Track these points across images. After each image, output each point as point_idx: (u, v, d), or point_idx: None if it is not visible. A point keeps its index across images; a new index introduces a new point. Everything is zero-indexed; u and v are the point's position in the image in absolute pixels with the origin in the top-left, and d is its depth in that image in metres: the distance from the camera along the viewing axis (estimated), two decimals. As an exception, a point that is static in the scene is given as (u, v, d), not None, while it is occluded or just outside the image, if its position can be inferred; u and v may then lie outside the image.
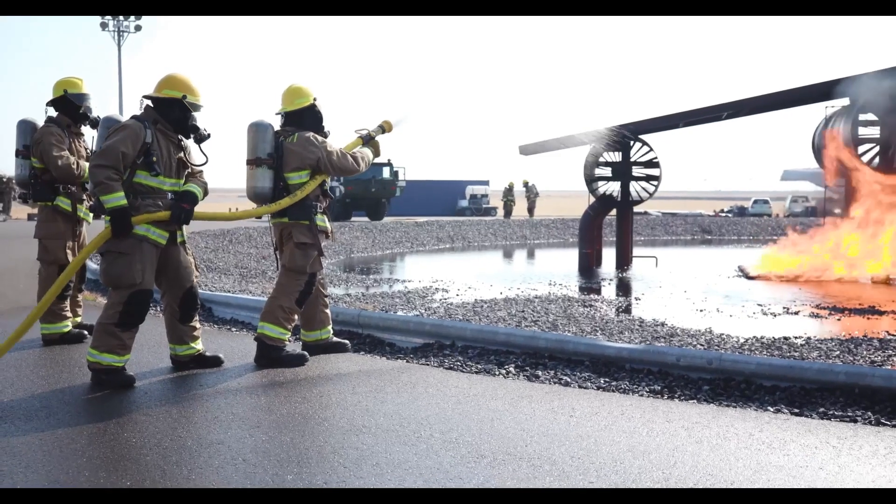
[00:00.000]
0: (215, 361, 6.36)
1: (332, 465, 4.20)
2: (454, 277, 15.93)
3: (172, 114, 5.94)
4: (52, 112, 7.31)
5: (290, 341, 6.72)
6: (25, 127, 7.31)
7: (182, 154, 6.03)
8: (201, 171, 6.19)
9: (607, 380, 6.25)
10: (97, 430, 4.79)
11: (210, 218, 6.76)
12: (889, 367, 7.11)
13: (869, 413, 5.32)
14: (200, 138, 6.04)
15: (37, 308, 6.03)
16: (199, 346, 6.32)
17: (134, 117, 5.89)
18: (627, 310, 12.17)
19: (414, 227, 28.41)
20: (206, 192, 6.17)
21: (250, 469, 4.13)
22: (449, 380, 6.11)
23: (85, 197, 7.36)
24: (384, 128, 7.07)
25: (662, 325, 9.86)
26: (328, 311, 7.01)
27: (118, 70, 52.81)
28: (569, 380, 6.25)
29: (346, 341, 7.11)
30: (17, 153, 7.27)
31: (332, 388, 5.81)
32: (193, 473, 4.07)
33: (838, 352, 8.07)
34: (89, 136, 7.54)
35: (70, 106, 7.26)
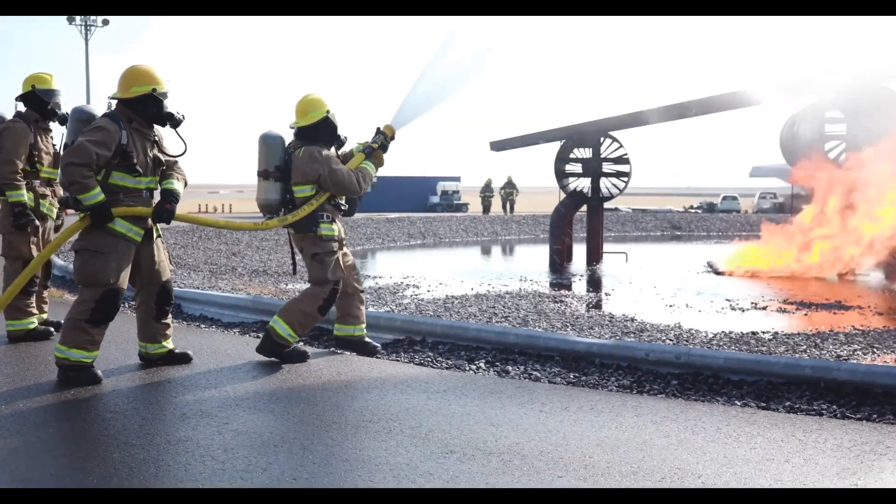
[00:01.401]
0: (184, 358, 6.31)
1: (302, 461, 4.18)
2: (425, 273, 15.94)
3: (147, 110, 5.83)
4: (22, 107, 7.24)
5: (294, 344, 6.67)
6: None
7: (156, 150, 5.97)
8: (177, 162, 6.11)
9: (577, 375, 6.28)
10: (64, 429, 4.74)
11: (210, 224, 6.81)
12: (854, 362, 7.21)
13: (834, 406, 5.40)
14: (177, 123, 5.94)
15: (0, 300, 5.97)
16: (169, 344, 6.27)
17: (107, 116, 5.77)
18: (598, 305, 12.24)
19: (385, 223, 28.37)
20: (185, 184, 6.11)
21: (218, 466, 4.10)
22: (419, 375, 6.11)
23: (48, 192, 7.28)
24: (385, 134, 6.84)
25: (632, 320, 9.93)
26: (363, 308, 6.94)
27: (85, 64, 52.22)
28: (539, 375, 6.27)
29: (377, 344, 6.99)
30: None
31: (302, 385, 5.79)
32: (161, 471, 4.04)
33: (805, 346, 8.18)
34: (58, 132, 7.46)
35: (38, 102, 7.18)
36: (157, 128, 5.99)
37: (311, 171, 6.39)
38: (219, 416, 4.99)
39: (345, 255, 6.78)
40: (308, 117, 6.52)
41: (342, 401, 5.37)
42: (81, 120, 5.86)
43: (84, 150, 5.51)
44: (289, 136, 6.65)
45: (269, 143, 6.53)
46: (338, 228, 6.66)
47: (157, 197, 6.01)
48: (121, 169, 5.71)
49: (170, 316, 6.27)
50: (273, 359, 6.45)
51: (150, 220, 5.90)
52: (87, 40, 51.72)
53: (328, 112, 6.53)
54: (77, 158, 5.50)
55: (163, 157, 6.01)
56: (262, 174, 6.54)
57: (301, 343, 6.87)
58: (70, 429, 4.74)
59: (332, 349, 7.01)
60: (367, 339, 6.93)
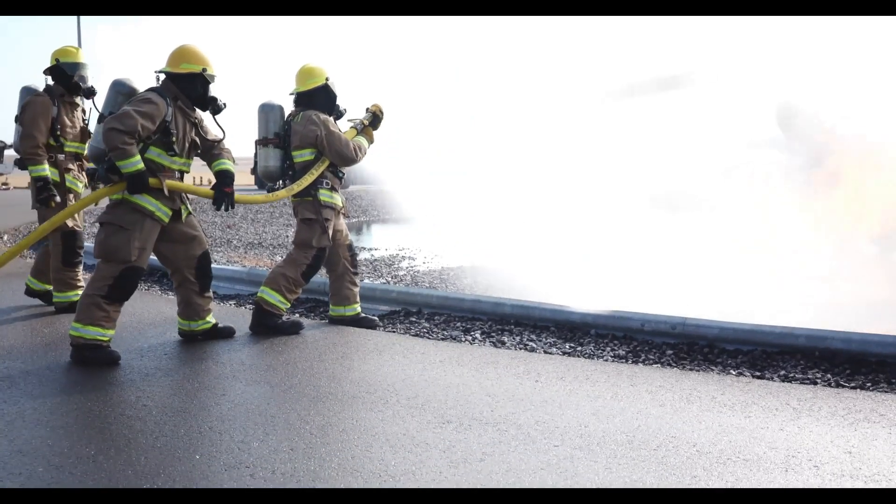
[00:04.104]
0: (228, 332, 6.29)
1: (299, 432, 4.20)
2: (421, 245, 15.92)
3: (194, 89, 5.78)
4: (51, 81, 7.21)
5: (288, 314, 6.70)
6: (26, 93, 7.19)
7: (195, 132, 5.90)
8: (222, 142, 6.06)
9: (572, 345, 6.30)
10: (61, 400, 4.75)
11: (248, 202, 6.73)
12: (849, 331, 7.23)
13: (828, 375, 5.42)
14: (217, 110, 5.91)
15: (19, 244, 5.87)
16: (212, 319, 6.23)
17: (155, 90, 5.69)
18: (593, 276, 12.24)
19: (380, 195, 28.28)
20: (234, 163, 6.09)
21: (216, 437, 4.12)
22: (415, 346, 6.12)
23: (74, 167, 7.23)
24: (375, 113, 6.90)
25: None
26: (356, 288, 6.90)
27: (77, 39, 51.83)
28: (534, 345, 6.29)
29: (375, 318, 7.00)
30: (17, 119, 7.16)
31: (299, 356, 5.80)
32: (159, 441, 4.05)
33: (799, 316, 8.19)
34: (87, 105, 7.40)
35: (63, 75, 7.14)
36: (197, 111, 5.93)
37: (309, 133, 6.41)
38: (216, 387, 5.00)
39: (341, 232, 6.78)
40: (307, 83, 6.57)
41: (339, 372, 5.38)
42: (122, 93, 5.75)
43: (130, 119, 5.41)
44: (288, 108, 6.68)
45: (267, 111, 6.61)
46: (338, 198, 6.67)
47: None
48: (159, 145, 5.64)
49: (211, 290, 6.23)
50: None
51: (178, 201, 5.81)
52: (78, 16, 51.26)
53: (327, 79, 6.58)
54: (121, 125, 5.39)
55: (199, 140, 5.92)
56: (261, 141, 6.59)
57: (297, 315, 6.86)
58: (67, 400, 4.74)
59: (327, 320, 7.02)
60: (363, 316, 6.92)
